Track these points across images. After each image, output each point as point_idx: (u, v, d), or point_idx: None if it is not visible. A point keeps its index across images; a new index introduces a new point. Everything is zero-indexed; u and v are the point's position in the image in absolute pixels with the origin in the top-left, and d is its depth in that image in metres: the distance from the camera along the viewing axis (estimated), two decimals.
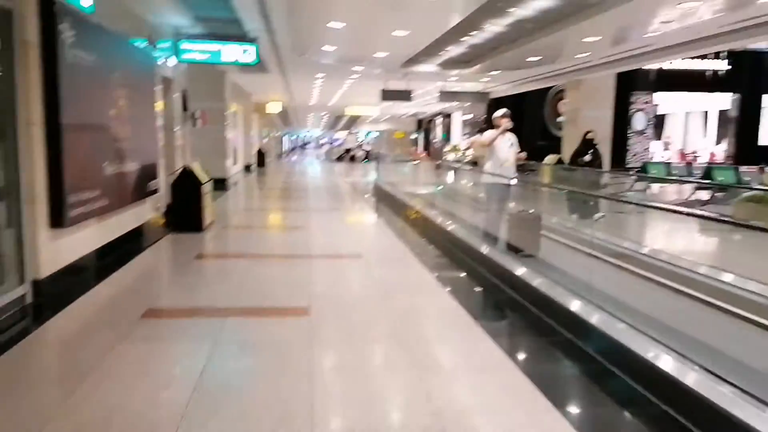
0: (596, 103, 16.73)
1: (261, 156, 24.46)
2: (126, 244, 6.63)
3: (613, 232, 7.81)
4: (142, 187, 7.25)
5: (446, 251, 7.24)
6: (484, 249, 6.24)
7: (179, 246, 7.25)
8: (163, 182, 8.49)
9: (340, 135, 54.61)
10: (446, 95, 18.54)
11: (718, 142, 27.87)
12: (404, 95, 18.09)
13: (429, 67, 13.60)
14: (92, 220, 5.69)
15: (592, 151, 10.38)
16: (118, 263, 5.96)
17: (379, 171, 16.43)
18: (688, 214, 6.23)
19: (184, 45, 9.51)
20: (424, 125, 41.22)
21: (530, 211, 6.12)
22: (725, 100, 25.63)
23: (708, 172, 13.94)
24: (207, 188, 8.44)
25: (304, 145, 73.38)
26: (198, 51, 9.60)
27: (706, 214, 6.21)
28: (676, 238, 9.00)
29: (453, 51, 11.87)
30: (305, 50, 12.39)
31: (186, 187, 8.07)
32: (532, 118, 25.92)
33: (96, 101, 5.84)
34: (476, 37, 10.58)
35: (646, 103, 23.87)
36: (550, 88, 24.22)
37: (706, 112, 29.13)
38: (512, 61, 12.18)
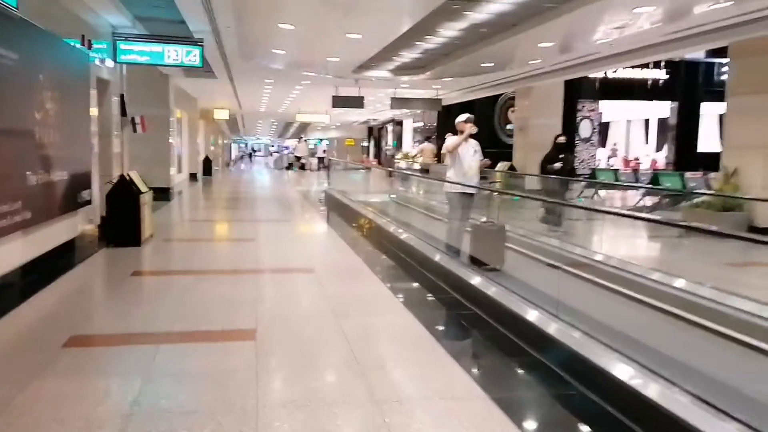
0: (546, 110, 16.82)
1: (207, 164, 23.71)
2: (54, 261, 6.06)
3: (569, 240, 7.68)
4: (72, 198, 6.68)
5: (403, 264, 6.92)
6: (444, 261, 5.95)
7: (114, 261, 6.70)
8: (97, 192, 7.91)
9: (290, 142, 53.76)
10: (398, 102, 18.34)
11: (658, 149, 28.62)
12: (356, 102, 17.78)
13: (381, 72, 13.34)
14: (13, 235, 5.13)
15: (562, 156, 9.82)
16: (43, 282, 5.40)
17: (330, 179, 16.04)
18: (650, 220, 6.11)
19: (124, 46, 8.94)
20: (375, 133, 41.04)
21: (493, 222, 5.82)
22: (664, 109, 26.43)
23: (655, 178, 14.13)
24: (146, 198, 7.89)
25: (252, 153, 72.13)
26: (138, 52, 9.04)
27: (661, 219, 6.11)
28: (631, 244, 8.96)
29: (406, 56, 11.65)
30: (254, 54, 11.94)
31: (123, 197, 7.51)
32: (481, 125, 25.92)
33: (18, 104, 5.29)
34: (430, 42, 10.37)
35: (592, 111, 24.28)
36: (500, 95, 24.40)
37: (647, 120, 29.95)
38: (466, 67, 12.04)
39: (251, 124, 43.58)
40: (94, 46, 8.24)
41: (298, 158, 32.27)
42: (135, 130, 10.54)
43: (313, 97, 21.26)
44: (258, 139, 70.97)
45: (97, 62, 8.22)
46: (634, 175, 16.25)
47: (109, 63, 8.59)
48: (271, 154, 67.19)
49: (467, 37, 9.96)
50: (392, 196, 15.42)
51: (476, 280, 4.99)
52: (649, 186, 13.78)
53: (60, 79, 6.28)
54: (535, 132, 16.75)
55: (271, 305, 4.95)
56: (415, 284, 5.99)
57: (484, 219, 6.02)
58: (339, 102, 17.81)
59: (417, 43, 10.23)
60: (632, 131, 31.71)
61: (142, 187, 7.91)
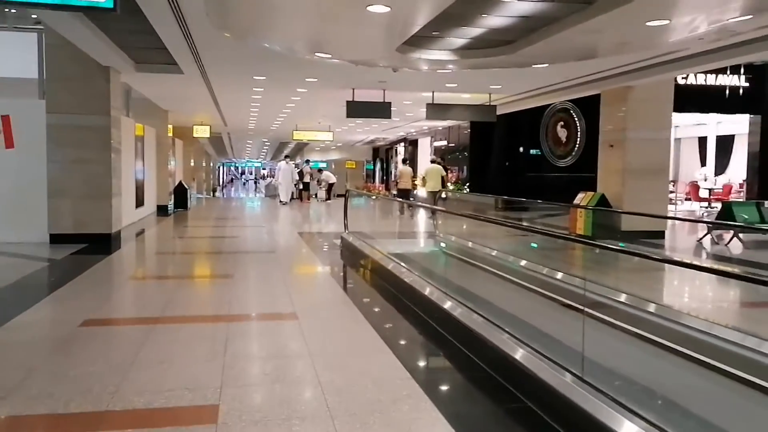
0: (651, 120, 11.94)
1: (181, 193, 18.57)
2: None
3: None
4: None
5: None
6: None
7: None
8: None
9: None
10: (436, 110, 13.41)
11: (718, 173, 24.15)
12: (380, 110, 12.85)
13: (438, 54, 8.35)
14: None
15: None
16: None
17: (348, 218, 10.95)
18: None
19: None
20: (381, 154, 36.18)
21: None
22: (735, 124, 22.15)
23: None
24: None
25: (242, 176, 67.12)
26: None
27: None
28: None
29: (500, 15, 6.72)
30: (244, 26, 6.98)
31: None
32: (523, 143, 21.33)
33: None
34: None
35: None
36: (547, 107, 19.68)
37: (702, 137, 25.44)
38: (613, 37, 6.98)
39: (240, 145, 38.70)
40: None
41: (306, 185, 24.95)
42: None
43: (315, 107, 16.35)
44: (248, 161, 66.06)
45: None
46: None
47: None
48: (263, 177, 61.40)
49: None
50: (442, 245, 10.43)
51: None
52: None
53: None
54: (637, 149, 11.86)
55: None
56: None
57: None
58: (356, 110, 12.89)
59: None
60: (683, 150, 27.20)
61: None
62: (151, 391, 3.54)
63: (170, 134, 18.90)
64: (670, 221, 13.42)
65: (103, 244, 9.82)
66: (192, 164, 25.43)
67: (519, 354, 3.73)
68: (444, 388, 3.91)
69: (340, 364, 4.16)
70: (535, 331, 4.49)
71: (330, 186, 25.57)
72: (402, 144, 30.39)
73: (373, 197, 17.45)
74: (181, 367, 3.99)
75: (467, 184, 21.19)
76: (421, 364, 4.44)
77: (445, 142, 23.32)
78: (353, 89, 12.56)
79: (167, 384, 3.66)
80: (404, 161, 20.43)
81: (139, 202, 14.55)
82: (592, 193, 12.57)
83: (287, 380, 3.78)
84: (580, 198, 12.75)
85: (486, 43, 7.84)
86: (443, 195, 17.54)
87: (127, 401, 3.37)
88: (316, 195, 26.20)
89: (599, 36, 7.23)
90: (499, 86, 12.06)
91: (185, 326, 5.09)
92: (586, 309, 3.36)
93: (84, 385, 3.61)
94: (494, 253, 8.75)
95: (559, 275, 6.63)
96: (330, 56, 8.48)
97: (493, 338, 4.05)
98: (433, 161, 18.73)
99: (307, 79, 11.56)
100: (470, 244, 9.81)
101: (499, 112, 13.88)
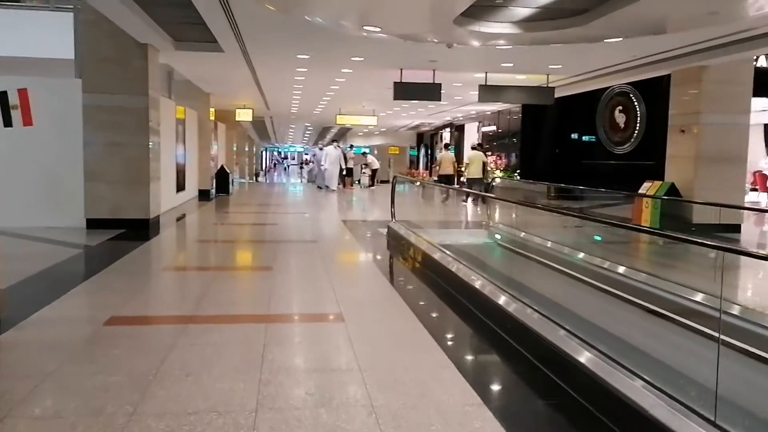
0: (727, 102, 10.88)
1: (223, 178, 18.23)
2: None
3: None
4: None
5: None
6: None
7: None
8: None
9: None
10: (488, 92, 12.59)
11: None
12: (430, 91, 12.11)
13: (499, 27, 7.56)
14: None
15: None
16: None
17: (394, 206, 10.27)
18: None
19: None
20: (426, 140, 35.32)
21: None
22: None
23: None
24: None
25: (284, 161, 67.02)
26: None
27: None
28: None
29: None
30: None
31: None
32: (561, 131, 20.22)
33: None
34: None
35: None
36: (605, 90, 18.55)
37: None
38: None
39: (283, 129, 38.39)
40: None
41: (350, 171, 23.56)
42: (8, 122, 4.98)
43: (360, 90, 15.73)
44: (292, 146, 65.98)
45: None
46: None
47: None
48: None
49: None
50: (497, 236, 9.70)
51: None
52: None
53: None
54: (712, 135, 10.85)
55: None
56: None
57: None
58: (404, 92, 12.18)
59: None
60: (752, 137, 25.50)
61: None
62: (173, 413, 2.97)
63: (212, 117, 18.57)
64: (744, 213, 12.30)
65: (140, 230, 9.43)
66: (234, 148, 25.13)
67: (620, 382, 3.02)
68: (524, 418, 3.23)
69: (396, 381, 3.51)
70: (624, 345, 3.79)
71: (374, 172, 24.94)
72: (448, 129, 29.49)
73: (420, 184, 16.75)
74: (210, 381, 3.41)
75: (517, 171, 20.28)
76: (492, 384, 3.77)
77: (493, 128, 22.37)
78: (401, 69, 11.86)
79: (193, 404, 3.08)
80: (446, 147, 20.14)
81: (180, 187, 14.21)
82: (660, 182, 11.58)
83: (334, 403, 3.16)
84: (646, 187, 11.78)
85: (554, 12, 7.02)
86: (491, 182, 16.85)
87: (144, 426, 2.81)
88: (359, 181, 25.66)
89: (687, 4, 6.34)
90: (560, 66, 11.17)
91: (219, 327, 4.53)
92: (722, 336, 2.61)
93: (97, 401, 3.07)
94: (566, 250, 7.98)
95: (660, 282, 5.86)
96: (379, 29, 7.78)
97: (588, 362, 3.34)
98: (473, 147, 18.12)
99: (353, 59, 10.91)
100: (524, 234, 9.05)
101: (555, 95, 12.96)
